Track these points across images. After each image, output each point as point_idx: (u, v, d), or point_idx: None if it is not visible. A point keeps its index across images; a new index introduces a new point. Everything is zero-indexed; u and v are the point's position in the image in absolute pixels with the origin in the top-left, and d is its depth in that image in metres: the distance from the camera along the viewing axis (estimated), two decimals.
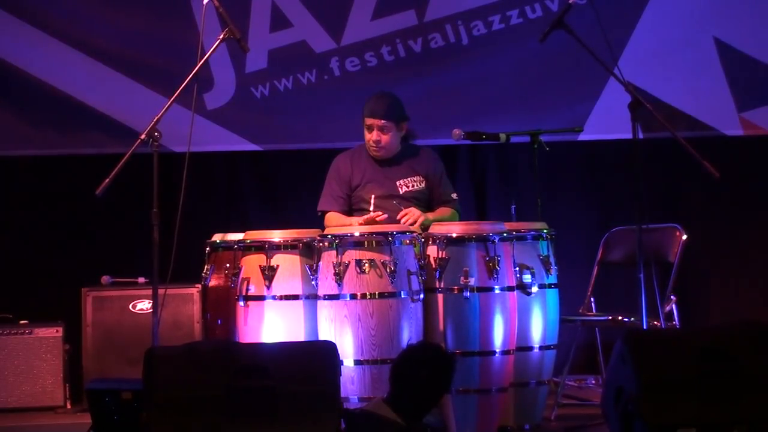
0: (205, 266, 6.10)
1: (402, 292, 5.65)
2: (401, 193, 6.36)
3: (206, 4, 5.83)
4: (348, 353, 5.59)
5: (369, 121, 6.34)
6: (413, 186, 6.39)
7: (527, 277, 5.86)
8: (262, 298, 5.82)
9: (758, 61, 7.71)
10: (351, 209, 6.40)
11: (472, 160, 7.95)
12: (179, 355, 4.84)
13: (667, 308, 6.45)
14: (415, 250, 5.74)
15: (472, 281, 5.69)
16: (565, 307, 6.18)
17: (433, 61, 7.70)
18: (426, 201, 6.41)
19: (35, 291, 7.54)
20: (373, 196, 6.29)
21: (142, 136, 5.64)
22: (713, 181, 5.84)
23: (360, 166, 6.40)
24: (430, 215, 6.25)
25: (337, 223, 6.27)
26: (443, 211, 6.37)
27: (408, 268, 5.68)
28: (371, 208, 6.25)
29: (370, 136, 6.35)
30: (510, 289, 5.78)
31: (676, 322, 6.52)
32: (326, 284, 5.70)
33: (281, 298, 5.82)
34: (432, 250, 5.77)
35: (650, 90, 7.57)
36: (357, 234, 5.72)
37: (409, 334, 5.63)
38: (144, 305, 6.91)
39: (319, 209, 6.41)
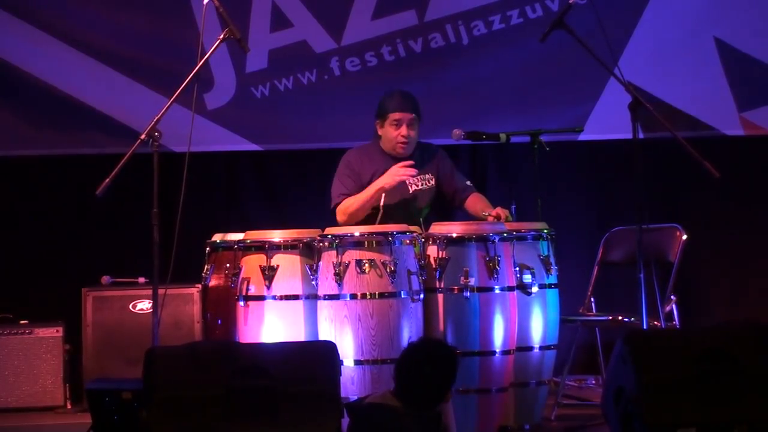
0: (205, 266, 6.10)
1: (402, 292, 5.65)
2: (411, 192, 6.36)
3: (206, 4, 5.83)
4: (348, 353, 5.59)
5: (398, 116, 6.30)
6: (423, 185, 6.39)
7: (527, 277, 5.85)
8: (262, 298, 5.82)
9: (758, 61, 7.71)
10: None
11: (472, 160, 7.95)
12: (179, 355, 4.84)
13: (667, 308, 6.45)
14: (415, 250, 5.74)
15: (472, 281, 5.69)
16: (565, 307, 6.18)
17: (434, 61, 7.70)
18: (432, 200, 6.42)
19: (35, 291, 7.55)
20: (383, 195, 6.27)
21: (143, 136, 5.65)
22: (713, 181, 5.84)
23: (371, 163, 6.36)
24: (485, 209, 6.25)
25: (351, 202, 6.23)
26: (478, 198, 6.40)
27: (408, 268, 5.68)
28: (381, 205, 6.24)
29: (398, 132, 6.31)
30: (510, 289, 5.78)
31: (676, 322, 6.53)
32: (326, 284, 5.70)
33: (281, 298, 5.82)
34: (432, 250, 5.77)
35: (650, 90, 7.57)
36: (357, 234, 5.72)
37: (409, 334, 5.62)
38: (144, 305, 6.91)
39: (333, 205, 6.36)
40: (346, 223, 6.22)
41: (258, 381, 4.74)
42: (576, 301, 6.81)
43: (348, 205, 6.28)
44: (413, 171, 6.22)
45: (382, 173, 6.30)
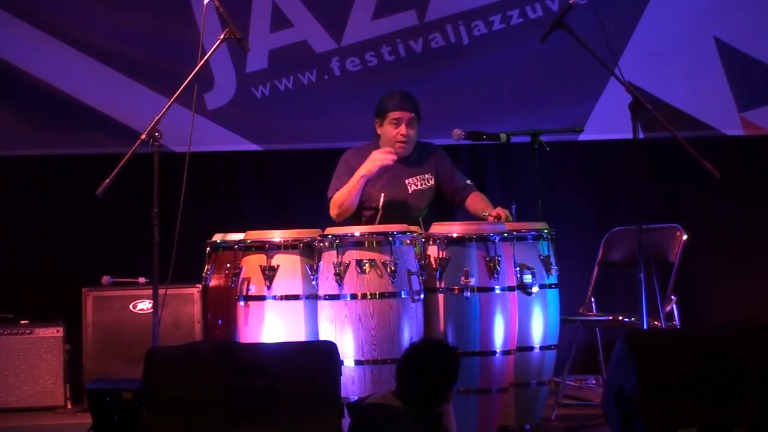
0: (206, 266, 6.10)
1: (402, 292, 5.65)
2: (410, 191, 6.36)
3: (207, 4, 5.83)
4: (348, 353, 5.59)
5: (397, 114, 6.31)
6: (422, 185, 6.39)
7: (528, 277, 5.85)
8: (262, 298, 5.82)
9: (758, 61, 7.72)
10: (359, 205, 6.38)
11: (472, 160, 7.95)
12: (179, 355, 4.84)
13: (668, 308, 6.45)
14: (416, 250, 5.74)
15: (472, 281, 5.68)
16: (565, 307, 6.18)
17: (434, 61, 7.70)
18: (432, 199, 6.42)
19: (35, 291, 7.55)
20: (382, 195, 6.27)
21: (143, 136, 5.65)
22: (713, 181, 5.84)
23: None
24: (485, 209, 6.25)
25: (339, 194, 6.23)
26: (479, 197, 6.39)
27: (408, 268, 5.68)
28: (380, 205, 6.25)
29: (397, 131, 6.32)
30: (510, 289, 5.78)
31: (677, 322, 6.53)
32: (326, 284, 5.70)
33: (282, 298, 5.82)
34: (432, 250, 5.76)
35: (650, 90, 7.58)
36: (357, 234, 5.72)
37: (409, 334, 5.62)
38: (144, 305, 6.91)
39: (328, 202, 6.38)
40: (339, 217, 6.24)
41: (258, 381, 4.74)
42: (576, 301, 6.81)
43: (337, 197, 6.29)
44: (393, 156, 6.21)
45: (379, 174, 6.30)
